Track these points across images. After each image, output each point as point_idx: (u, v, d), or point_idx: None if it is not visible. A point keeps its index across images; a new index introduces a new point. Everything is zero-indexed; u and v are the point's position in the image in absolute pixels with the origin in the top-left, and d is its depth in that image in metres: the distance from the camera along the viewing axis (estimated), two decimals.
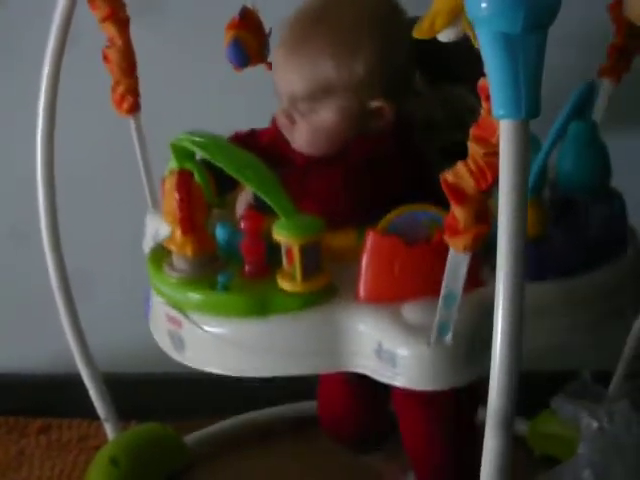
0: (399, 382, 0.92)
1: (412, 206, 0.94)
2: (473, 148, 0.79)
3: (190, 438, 1.53)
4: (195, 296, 0.95)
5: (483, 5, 0.69)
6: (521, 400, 0.79)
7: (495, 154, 0.74)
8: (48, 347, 1.60)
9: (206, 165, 1.04)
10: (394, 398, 1.18)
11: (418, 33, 0.78)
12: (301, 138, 1.07)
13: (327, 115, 1.05)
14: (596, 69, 1.24)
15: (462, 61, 1.08)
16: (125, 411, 1.48)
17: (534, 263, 0.95)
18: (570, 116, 0.98)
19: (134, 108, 1.27)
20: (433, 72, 1.15)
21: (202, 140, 0.96)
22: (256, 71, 1.21)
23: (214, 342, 0.95)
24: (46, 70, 1.22)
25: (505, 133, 0.71)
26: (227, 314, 0.94)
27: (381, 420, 1.31)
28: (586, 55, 1.27)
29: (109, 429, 1.45)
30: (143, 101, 1.28)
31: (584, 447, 1.16)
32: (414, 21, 1.08)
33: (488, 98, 0.73)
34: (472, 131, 0.79)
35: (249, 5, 1.19)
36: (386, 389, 1.18)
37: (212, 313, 0.95)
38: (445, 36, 0.78)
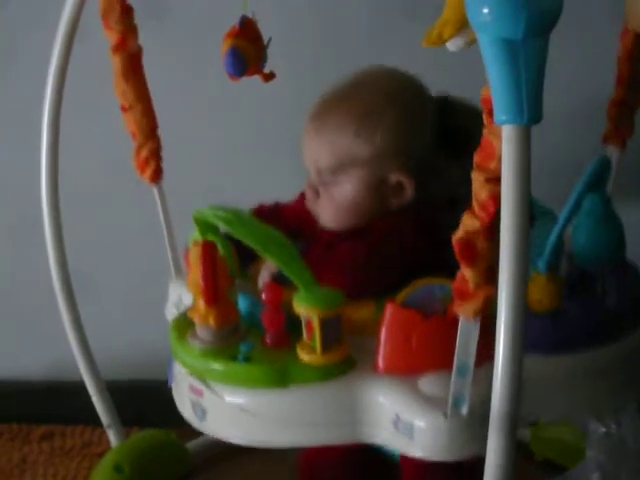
0: (415, 452, 0.93)
1: (429, 280, 0.96)
2: (475, 177, 0.79)
3: (193, 444, 1.51)
4: (217, 366, 0.97)
5: (485, 11, 0.69)
6: None
7: (496, 180, 0.74)
8: (51, 354, 1.58)
9: (228, 237, 1.07)
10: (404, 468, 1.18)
11: (427, 42, 0.79)
12: (325, 212, 1.12)
13: (348, 186, 1.09)
14: None
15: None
16: (128, 418, 1.47)
17: (550, 336, 0.96)
18: (585, 190, 0.99)
19: (157, 176, 1.27)
20: (458, 148, 1.17)
21: (225, 214, 0.98)
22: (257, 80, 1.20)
23: (235, 412, 0.97)
24: (51, 75, 1.20)
25: (507, 139, 0.71)
26: (248, 384, 0.96)
27: None
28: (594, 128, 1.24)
29: (112, 436, 1.44)
30: None
31: (592, 452, 1.14)
32: (436, 100, 1.10)
33: (491, 112, 0.73)
34: (475, 158, 0.79)
35: (249, 15, 1.18)
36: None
37: (233, 383, 0.97)
38: (454, 45, 0.79)
